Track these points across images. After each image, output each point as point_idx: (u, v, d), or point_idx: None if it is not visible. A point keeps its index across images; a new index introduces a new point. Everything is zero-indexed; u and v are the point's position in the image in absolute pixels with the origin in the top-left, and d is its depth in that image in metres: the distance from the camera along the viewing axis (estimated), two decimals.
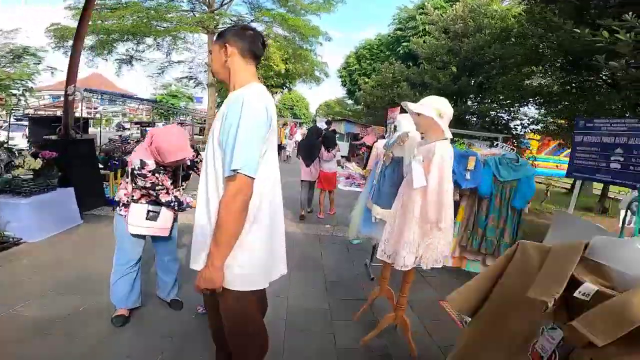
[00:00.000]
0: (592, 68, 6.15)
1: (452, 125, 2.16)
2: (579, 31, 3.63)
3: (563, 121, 7.10)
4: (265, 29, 18.47)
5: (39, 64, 30.74)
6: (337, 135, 11.55)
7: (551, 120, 7.45)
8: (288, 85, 29.89)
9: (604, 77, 6.74)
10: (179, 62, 20.40)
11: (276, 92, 29.26)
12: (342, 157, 9.76)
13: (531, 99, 7.46)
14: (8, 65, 28.20)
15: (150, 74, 20.34)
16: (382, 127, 13.39)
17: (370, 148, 11.55)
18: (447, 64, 10.51)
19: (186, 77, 22.28)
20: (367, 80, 26.79)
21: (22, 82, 12.32)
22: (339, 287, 3.21)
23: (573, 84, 6.78)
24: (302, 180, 5.64)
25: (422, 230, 1.94)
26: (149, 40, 16.98)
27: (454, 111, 2.17)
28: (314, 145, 5.45)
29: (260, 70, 26.50)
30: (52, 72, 31.25)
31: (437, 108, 1.93)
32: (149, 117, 27.70)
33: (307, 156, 5.44)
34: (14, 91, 12.67)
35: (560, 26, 4.37)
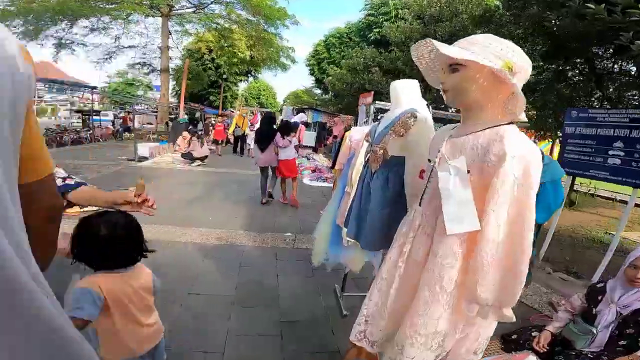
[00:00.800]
0: (575, 55, 5.73)
1: None
2: (593, 7, 2.94)
3: (533, 112, 6.74)
4: (227, 10, 16.92)
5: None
6: (306, 126, 10.66)
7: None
8: (253, 73, 28.30)
9: (580, 68, 6.42)
10: (129, 47, 18.38)
11: (241, 80, 27.54)
12: (307, 147, 8.94)
13: None
14: None
15: (96, 60, 18.22)
16: (350, 115, 12.61)
17: (339, 140, 10.97)
18: None
19: (139, 64, 20.24)
20: (335, 68, 26.07)
21: None
22: (300, 332, 2.31)
23: (549, 73, 6.39)
24: (259, 167, 5.75)
25: (458, 315, 0.99)
26: (85, 22, 14.96)
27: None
28: (267, 130, 5.58)
29: (223, 57, 24.91)
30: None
31: (505, 56, 0.94)
32: (101, 105, 26.20)
33: (260, 141, 5.57)
34: None
35: (563, 3, 3.71)
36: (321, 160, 11.12)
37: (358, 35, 20.68)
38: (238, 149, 11.49)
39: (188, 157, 8.76)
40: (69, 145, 13.16)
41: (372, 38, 16.83)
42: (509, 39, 1.02)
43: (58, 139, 13.82)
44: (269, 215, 5.05)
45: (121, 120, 15.91)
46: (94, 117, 18.36)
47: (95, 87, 19.25)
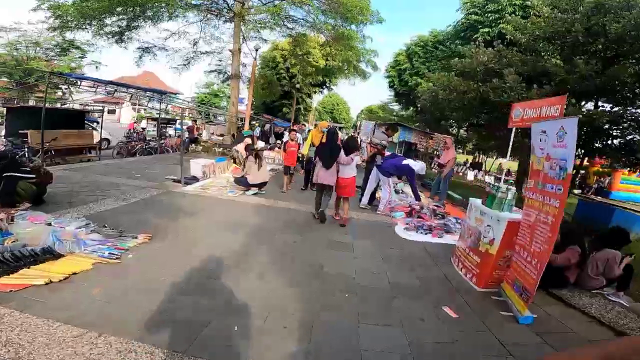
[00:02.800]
0: None
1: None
2: None
3: None
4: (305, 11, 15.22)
5: (83, 57, 30.14)
6: (388, 146, 8.03)
7: None
8: (328, 85, 26.64)
9: None
10: (206, 52, 17.93)
11: (315, 92, 26.03)
12: (387, 172, 6.38)
13: None
14: (54, 58, 27.72)
15: (176, 66, 18.08)
16: (449, 136, 9.56)
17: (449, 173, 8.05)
18: (583, 46, 6.56)
19: (215, 71, 19.82)
20: (419, 80, 22.92)
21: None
22: None
23: None
24: (316, 183, 5.47)
25: None
26: (165, 24, 14.53)
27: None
28: (332, 147, 5.29)
29: (297, 66, 23.72)
30: (96, 67, 30.27)
31: None
32: (190, 116, 26.93)
33: (324, 158, 5.28)
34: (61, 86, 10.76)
35: None
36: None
37: (457, 38, 17.37)
38: (311, 180, 7.38)
39: (242, 182, 6.71)
40: (138, 155, 12.48)
41: (479, 39, 13.56)
42: None
43: (129, 148, 13.39)
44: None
45: (188, 131, 15.05)
46: (177, 127, 18.22)
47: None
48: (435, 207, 7.22)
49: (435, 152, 11.82)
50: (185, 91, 51.67)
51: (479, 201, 4.03)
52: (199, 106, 23.50)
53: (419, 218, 6.13)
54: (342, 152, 5.27)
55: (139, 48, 16.50)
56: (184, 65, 17.89)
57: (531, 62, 6.69)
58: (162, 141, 13.64)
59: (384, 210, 6.46)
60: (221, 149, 12.92)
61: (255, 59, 13.92)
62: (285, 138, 9.83)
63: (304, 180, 8.02)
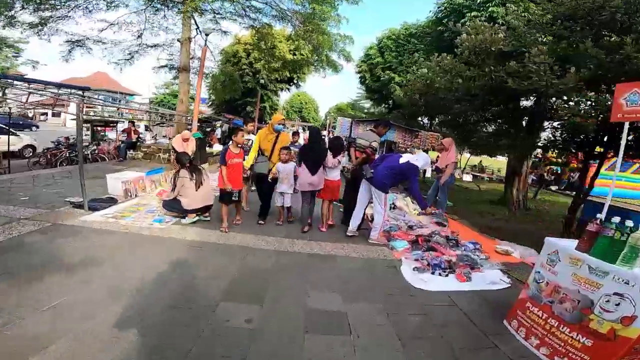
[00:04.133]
0: None
1: None
2: None
3: None
4: None
5: (17, 56, 26.25)
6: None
7: None
8: (296, 81, 24.58)
9: None
10: (154, 46, 15.27)
11: (282, 89, 23.84)
12: (383, 183, 4.50)
13: None
14: None
15: (116, 61, 15.45)
16: (448, 136, 8.00)
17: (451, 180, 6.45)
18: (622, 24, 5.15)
19: (165, 66, 17.18)
20: (392, 75, 21.54)
21: None
22: None
23: None
24: (302, 192, 4.81)
25: None
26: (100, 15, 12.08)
27: None
28: (319, 149, 4.82)
29: (261, 61, 21.48)
30: (33, 66, 26.37)
31: None
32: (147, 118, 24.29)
33: (309, 161, 4.67)
34: None
35: None
36: (409, 209, 6.50)
37: (440, 25, 15.66)
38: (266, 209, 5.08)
39: (176, 207, 4.60)
40: (60, 165, 9.87)
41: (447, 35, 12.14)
42: None
43: (49, 157, 10.65)
44: None
45: (125, 134, 12.20)
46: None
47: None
48: (439, 225, 5.55)
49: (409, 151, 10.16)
50: (144, 92, 47.40)
51: (571, 245, 2.32)
52: (156, 109, 20.60)
53: (431, 250, 4.37)
54: (329, 154, 4.81)
55: (67, 41, 13.73)
56: (127, 60, 15.19)
57: (564, 44, 5.09)
58: (95, 147, 11.05)
59: (379, 238, 4.67)
60: (167, 155, 10.56)
61: (205, 44, 11.62)
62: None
63: (260, 209, 5.03)
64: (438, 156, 7.30)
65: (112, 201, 5.18)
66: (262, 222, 4.92)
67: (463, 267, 3.93)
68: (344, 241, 4.59)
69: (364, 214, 4.95)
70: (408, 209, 6.35)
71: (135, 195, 5.69)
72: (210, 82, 18.53)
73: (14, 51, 26.90)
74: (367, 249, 4.42)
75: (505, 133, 6.69)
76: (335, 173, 4.93)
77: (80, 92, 8.82)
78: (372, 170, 4.49)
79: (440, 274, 3.73)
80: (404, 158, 4.57)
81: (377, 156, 5.06)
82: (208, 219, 4.79)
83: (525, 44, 5.32)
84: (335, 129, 17.50)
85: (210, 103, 26.37)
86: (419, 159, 4.52)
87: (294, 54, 20.01)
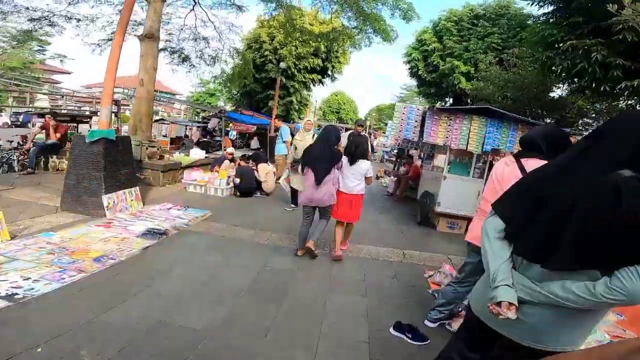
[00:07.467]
0: None
1: None
2: None
3: None
4: None
5: (43, 50, 25.03)
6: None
7: None
8: (331, 72, 20.25)
9: None
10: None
11: (312, 80, 19.56)
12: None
13: None
14: (7, 51, 22.83)
15: (94, 42, 12.49)
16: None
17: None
18: None
19: (164, 49, 13.92)
20: (456, 62, 16.72)
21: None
22: None
23: None
24: (304, 206, 3.97)
25: None
26: None
27: None
28: (329, 152, 3.80)
29: (287, 47, 17.46)
30: (61, 60, 24.70)
31: None
32: (186, 116, 24.54)
33: (318, 168, 3.73)
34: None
35: None
36: None
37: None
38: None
39: None
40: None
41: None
42: None
43: (4, 160, 7.46)
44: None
45: (43, 132, 7.30)
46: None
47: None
48: None
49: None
50: (184, 91, 46.27)
51: None
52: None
53: None
54: (344, 160, 3.88)
55: (30, 19, 10.87)
56: (109, 40, 12.08)
57: None
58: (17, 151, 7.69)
59: None
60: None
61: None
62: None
63: None
64: None
65: None
66: None
67: None
68: None
69: None
70: None
71: None
72: (231, 76, 14.92)
73: (39, 44, 25.98)
74: None
75: None
76: (354, 183, 3.91)
77: None
78: None
79: None
80: None
81: None
82: None
83: None
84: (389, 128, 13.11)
85: (229, 96, 23.21)
86: None
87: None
